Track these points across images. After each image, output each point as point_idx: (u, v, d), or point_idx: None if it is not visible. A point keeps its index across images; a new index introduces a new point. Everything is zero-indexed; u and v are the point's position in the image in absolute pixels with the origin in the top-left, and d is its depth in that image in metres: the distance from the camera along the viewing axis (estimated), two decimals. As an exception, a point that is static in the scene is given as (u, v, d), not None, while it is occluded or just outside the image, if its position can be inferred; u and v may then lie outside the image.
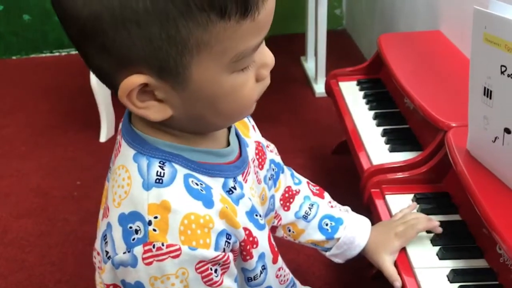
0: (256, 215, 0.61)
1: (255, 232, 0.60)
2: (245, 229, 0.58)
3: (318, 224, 0.79)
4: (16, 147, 1.80)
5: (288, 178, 0.81)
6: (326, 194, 0.83)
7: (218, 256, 0.53)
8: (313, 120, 1.83)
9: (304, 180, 0.83)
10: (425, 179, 0.95)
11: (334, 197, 0.86)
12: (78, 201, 1.53)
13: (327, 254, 0.81)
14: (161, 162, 0.54)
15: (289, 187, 0.80)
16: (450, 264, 0.78)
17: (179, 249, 0.51)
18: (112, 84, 0.52)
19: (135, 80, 0.49)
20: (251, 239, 0.59)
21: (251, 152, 0.67)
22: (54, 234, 1.40)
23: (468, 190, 0.79)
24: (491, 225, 0.72)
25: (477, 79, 0.78)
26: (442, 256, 0.79)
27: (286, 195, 0.80)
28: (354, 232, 0.79)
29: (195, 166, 0.55)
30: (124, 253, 0.52)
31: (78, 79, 2.11)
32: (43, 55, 2.50)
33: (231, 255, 0.56)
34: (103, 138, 1.80)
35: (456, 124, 0.93)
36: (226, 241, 0.54)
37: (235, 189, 0.58)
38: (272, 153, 0.78)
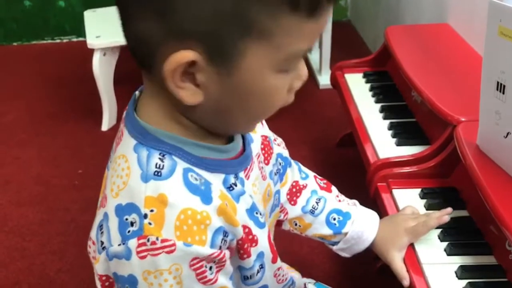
0: (257, 213, 0.60)
1: (255, 230, 0.58)
2: (245, 227, 0.56)
3: (326, 218, 0.78)
4: (16, 135, 1.79)
5: (295, 172, 0.80)
6: (334, 188, 0.82)
7: (214, 253, 0.52)
8: (317, 112, 1.82)
9: (311, 174, 0.82)
10: (433, 173, 0.94)
11: (338, 189, 0.85)
12: (79, 190, 1.52)
13: (334, 248, 0.80)
14: (161, 154, 0.52)
15: (296, 181, 0.79)
16: (458, 260, 0.77)
17: (174, 244, 0.50)
18: (151, 57, 0.49)
19: (188, 55, 0.47)
20: (250, 237, 0.58)
21: (256, 147, 0.65)
22: (55, 223, 1.40)
23: (477, 185, 0.78)
24: (501, 220, 0.71)
25: (490, 73, 0.76)
26: (450, 252, 0.78)
27: (294, 189, 0.79)
28: (362, 226, 0.77)
29: (195, 161, 0.54)
30: (119, 245, 0.51)
31: (79, 67, 2.09)
32: (44, 41, 2.49)
33: (227, 253, 0.54)
34: (105, 126, 1.78)
35: (465, 119, 0.92)
36: (222, 239, 0.53)
37: (235, 185, 0.57)
38: (280, 147, 0.76)
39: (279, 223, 0.80)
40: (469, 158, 0.82)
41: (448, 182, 0.93)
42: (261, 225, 0.60)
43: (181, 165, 0.53)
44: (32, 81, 2.12)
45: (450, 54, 1.21)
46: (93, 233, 0.56)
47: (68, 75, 2.15)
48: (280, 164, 0.76)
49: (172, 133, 0.53)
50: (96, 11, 1.90)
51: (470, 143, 0.85)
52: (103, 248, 0.53)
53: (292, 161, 0.80)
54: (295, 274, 0.81)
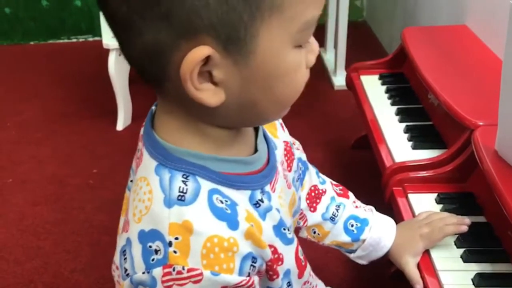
0: (284, 229, 0.57)
1: (281, 248, 0.56)
2: (271, 246, 0.54)
3: (344, 225, 0.77)
4: (32, 134, 1.80)
5: (313, 176, 0.78)
6: (350, 194, 0.81)
7: (242, 281, 0.50)
8: (331, 113, 1.81)
9: (328, 180, 0.81)
10: (449, 178, 0.92)
11: (353, 192, 0.84)
12: (93, 189, 1.52)
13: (352, 256, 0.79)
14: (184, 176, 0.50)
15: (315, 186, 0.78)
16: (474, 268, 0.76)
17: (201, 273, 0.48)
18: (162, 68, 0.47)
19: (203, 51, 0.44)
20: (276, 256, 0.55)
21: (279, 154, 0.63)
22: (70, 222, 1.40)
23: (495, 191, 0.76)
24: (519, 228, 0.70)
25: (510, 77, 0.75)
26: (466, 259, 0.77)
27: (312, 194, 0.77)
28: (379, 233, 0.77)
29: (220, 179, 0.51)
30: (143, 273, 0.49)
31: (95, 66, 2.11)
32: (61, 41, 2.50)
33: (256, 279, 0.53)
34: (120, 126, 1.79)
35: (484, 123, 0.90)
36: (251, 265, 0.51)
37: (262, 201, 0.55)
38: (299, 151, 0.75)
39: (296, 230, 0.78)
40: (487, 163, 0.81)
41: (465, 187, 0.92)
42: (288, 241, 0.58)
43: (206, 186, 0.51)
44: (48, 80, 2.13)
45: (468, 56, 1.20)
46: (116, 258, 0.54)
47: (83, 74, 2.16)
48: (300, 169, 0.74)
49: (194, 151, 0.51)
50: (112, 11, 1.90)
51: (488, 148, 0.83)
52: (127, 275, 0.51)
53: (309, 164, 0.79)
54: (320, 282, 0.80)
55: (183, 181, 0.50)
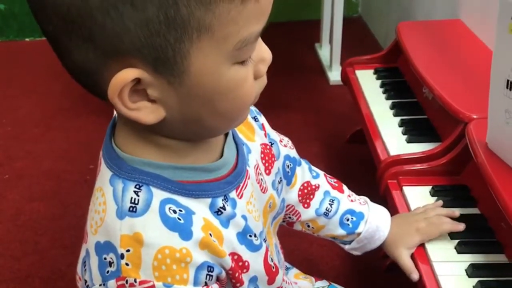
0: (250, 236, 0.56)
1: (247, 255, 0.56)
2: (233, 254, 0.54)
3: (339, 220, 0.77)
4: (28, 129, 1.80)
5: (305, 172, 0.77)
6: (345, 187, 0.81)
7: None
8: (327, 108, 1.81)
9: (322, 173, 0.80)
10: (444, 171, 0.93)
11: (349, 186, 0.84)
12: (90, 185, 1.51)
13: (346, 247, 0.79)
14: (137, 186, 0.50)
15: (307, 182, 0.77)
16: (468, 259, 0.77)
17: (153, 286, 0.48)
18: (98, 85, 0.46)
19: (128, 74, 0.44)
20: (240, 263, 0.55)
21: (254, 158, 0.62)
22: (67, 218, 1.41)
23: (488, 183, 0.77)
24: (512, 219, 0.71)
25: (500, 71, 0.75)
26: (460, 250, 0.78)
27: (305, 190, 0.77)
28: (374, 226, 0.77)
29: (176, 188, 0.50)
30: (100, 285, 0.50)
31: (91, 62, 2.10)
32: (56, 37, 2.50)
33: (215, 286, 0.52)
34: (115, 122, 1.79)
35: (477, 116, 0.91)
36: (207, 274, 0.51)
37: (224, 209, 0.53)
38: (286, 148, 0.74)
39: (290, 224, 0.79)
40: (481, 156, 0.82)
41: (459, 180, 0.93)
42: (254, 248, 0.57)
43: (159, 196, 0.50)
44: (44, 77, 2.13)
45: (462, 50, 1.21)
46: (78, 268, 0.54)
47: (79, 70, 2.16)
48: (288, 166, 0.74)
49: (149, 160, 0.50)
50: (108, 6, 1.90)
51: (481, 140, 0.84)
52: (87, 286, 0.52)
53: (302, 160, 0.78)
54: (306, 283, 0.80)
55: (135, 191, 0.50)
